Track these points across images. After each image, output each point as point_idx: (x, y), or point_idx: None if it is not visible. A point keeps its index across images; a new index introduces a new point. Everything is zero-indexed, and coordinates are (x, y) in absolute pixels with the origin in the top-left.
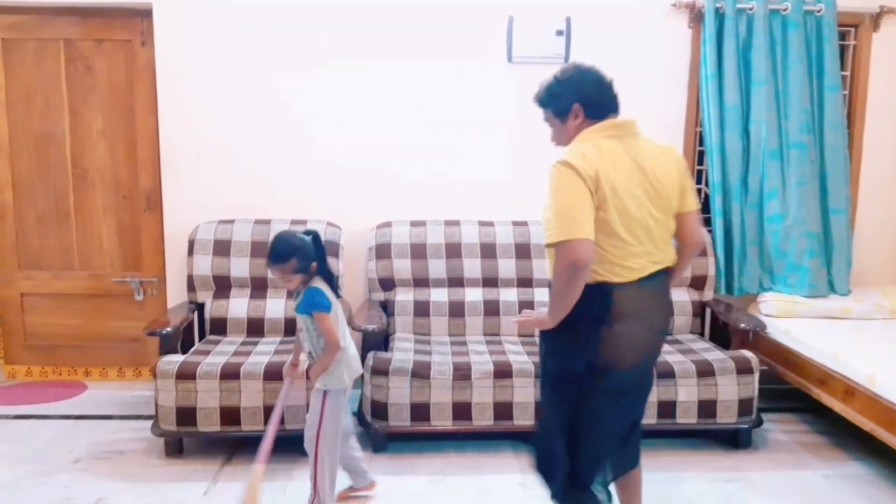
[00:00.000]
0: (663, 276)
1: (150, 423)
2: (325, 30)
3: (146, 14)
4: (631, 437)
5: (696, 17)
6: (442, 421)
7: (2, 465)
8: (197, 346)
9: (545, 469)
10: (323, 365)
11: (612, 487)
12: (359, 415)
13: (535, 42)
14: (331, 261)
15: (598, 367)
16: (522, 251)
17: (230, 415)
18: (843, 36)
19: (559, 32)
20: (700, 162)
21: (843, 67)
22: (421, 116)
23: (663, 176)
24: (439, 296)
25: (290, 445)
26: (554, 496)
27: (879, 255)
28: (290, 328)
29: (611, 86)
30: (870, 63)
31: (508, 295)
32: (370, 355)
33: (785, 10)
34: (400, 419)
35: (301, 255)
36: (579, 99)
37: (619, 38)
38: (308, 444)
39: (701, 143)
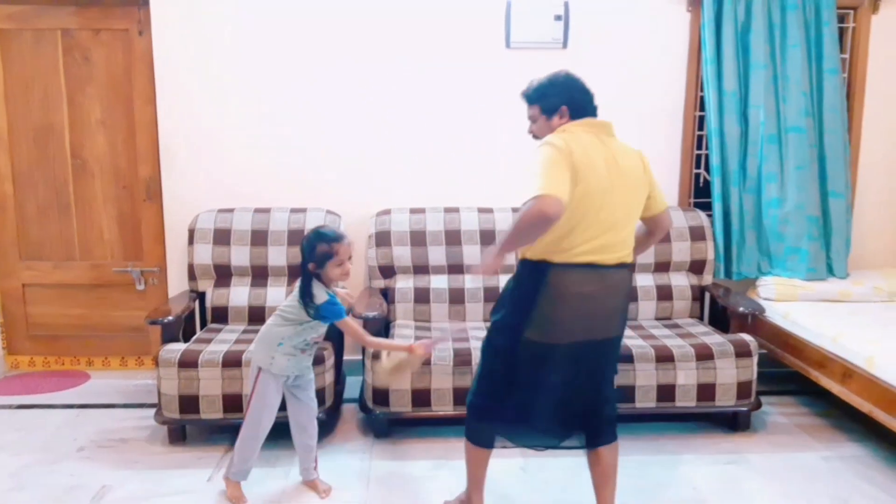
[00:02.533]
0: (622, 270)
1: (153, 411)
2: (322, 19)
3: (143, 3)
4: (576, 408)
5: (696, 1)
6: (443, 406)
7: (8, 454)
8: (199, 334)
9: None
10: None
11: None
12: (360, 401)
13: (533, 28)
14: None
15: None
16: None
17: (233, 402)
18: (842, 18)
19: (558, 17)
20: (700, 146)
21: (842, 50)
22: (419, 104)
23: (633, 175)
24: (439, 283)
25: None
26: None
27: (878, 237)
28: None
29: (593, 95)
30: (869, 45)
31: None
32: None
33: None
34: (401, 405)
35: None
36: (567, 101)
37: (618, 23)
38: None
39: (701, 128)
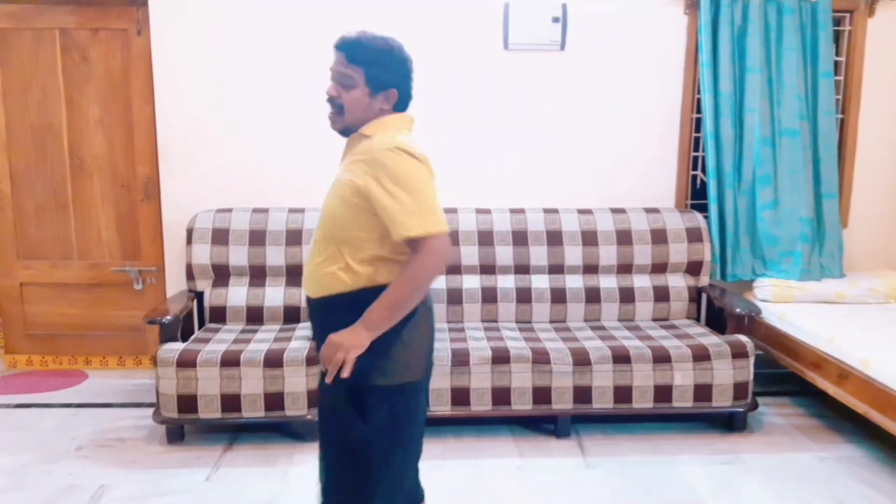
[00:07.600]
0: None
1: (151, 410)
2: (320, 19)
3: (142, 2)
4: None
5: (693, 4)
6: (441, 406)
7: (6, 453)
8: (197, 334)
9: None
10: None
11: None
12: None
13: (531, 29)
14: None
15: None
16: (519, 238)
17: (231, 401)
18: (837, 21)
19: (555, 19)
20: (696, 148)
21: (837, 53)
22: (416, 105)
23: None
24: (437, 283)
25: (290, 431)
26: None
27: (874, 239)
28: (289, 316)
29: None
30: (864, 49)
31: (505, 282)
32: None
33: None
34: None
35: None
36: (401, 86)
37: (616, 25)
38: None
39: (698, 130)
